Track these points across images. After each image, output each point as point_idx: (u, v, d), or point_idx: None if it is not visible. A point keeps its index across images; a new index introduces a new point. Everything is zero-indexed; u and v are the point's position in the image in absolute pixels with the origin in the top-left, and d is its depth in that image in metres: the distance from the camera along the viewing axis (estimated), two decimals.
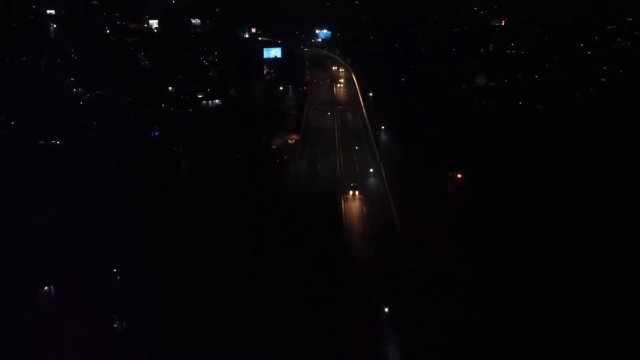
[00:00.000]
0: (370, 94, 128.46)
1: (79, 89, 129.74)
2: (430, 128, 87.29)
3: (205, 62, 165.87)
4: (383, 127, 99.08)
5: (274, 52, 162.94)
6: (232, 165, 73.07)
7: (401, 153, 79.35)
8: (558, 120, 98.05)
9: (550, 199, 55.85)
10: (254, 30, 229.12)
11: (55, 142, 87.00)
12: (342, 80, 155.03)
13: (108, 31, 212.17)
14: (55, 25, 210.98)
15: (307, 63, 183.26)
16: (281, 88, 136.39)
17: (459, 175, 63.39)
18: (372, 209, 60.61)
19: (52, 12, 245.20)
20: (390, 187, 65.92)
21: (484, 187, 58.40)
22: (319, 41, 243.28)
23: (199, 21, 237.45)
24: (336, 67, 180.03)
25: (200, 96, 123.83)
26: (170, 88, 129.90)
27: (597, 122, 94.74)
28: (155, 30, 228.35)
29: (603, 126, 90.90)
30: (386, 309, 40.06)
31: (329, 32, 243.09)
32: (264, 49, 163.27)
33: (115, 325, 39.37)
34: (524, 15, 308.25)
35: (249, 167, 72.48)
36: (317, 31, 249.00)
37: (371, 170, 74.99)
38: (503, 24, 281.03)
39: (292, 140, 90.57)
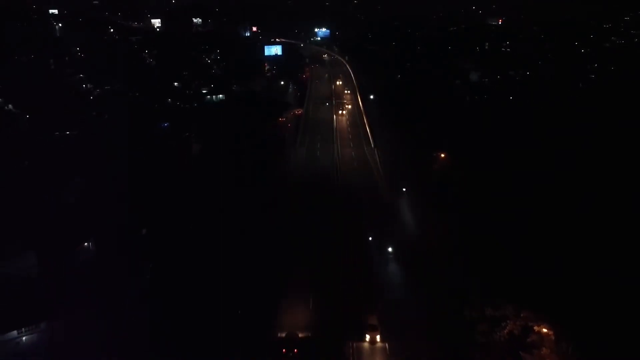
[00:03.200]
0: (367, 89, 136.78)
1: (88, 84, 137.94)
2: (421, 118, 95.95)
3: (208, 59, 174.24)
4: (378, 118, 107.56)
5: (274, 50, 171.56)
6: (238, 150, 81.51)
7: (394, 139, 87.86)
8: (544, 113, 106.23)
9: (519, 175, 64.74)
10: (254, 29, 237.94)
11: (71, 133, 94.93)
12: (340, 76, 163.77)
13: (112, 30, 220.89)
14: (60, 25, 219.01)
15: (307, 60, 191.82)
16: (282, 83, 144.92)
17: (442, 155, 72.60)
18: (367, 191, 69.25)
19: (55, 11, 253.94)
20: (383, 167, 74.59)
21: (462, 164, 67.34)
22: (318, 40, 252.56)
23: (200, 20, 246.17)
24: (334, 64, 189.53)
25: (204, 91, 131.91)
26: (175, 84, 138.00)
27: (583, 115, 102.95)
28: (158, 29, 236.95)
29: (588, 118, 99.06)
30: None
31: (328, 31, 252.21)
32: (265, 47, 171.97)
33: (145, 273, 47.67)
34: (521, 15, 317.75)
35: (253, 152, 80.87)
36: (316, 30, 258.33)
37: (366, 154, 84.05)
38: (500, 23, 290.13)
39: (298, 111, 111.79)
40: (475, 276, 44.41)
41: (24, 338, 39.46)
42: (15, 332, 39.48)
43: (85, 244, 51.10)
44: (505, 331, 38.17)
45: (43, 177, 65.53)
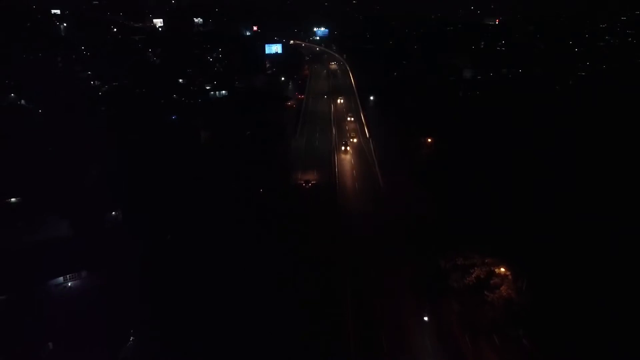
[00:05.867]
0: (364, 85, 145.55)
1: (96, 81, 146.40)
2: (414, 109, 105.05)
3: (210, 58, 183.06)
4: (374, 112, 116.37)
5: (275, 48, 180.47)
6: (243, 138, 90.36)
7: (388, 129, 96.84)
8: (530, 107, 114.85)
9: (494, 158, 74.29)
10: (255, 28, 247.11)
11: (86, 125, 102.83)
12: (338, 73, 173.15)
13: (115, 30, 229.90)
14: (65, 24, 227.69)
15: (306, 58, 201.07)
16: (282, 79, 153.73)
17: (429, 140, 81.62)
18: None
19: (58, 11, 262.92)
20: (376, 154, 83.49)
21: (446, 146, 76.69)
22: (317, 39, 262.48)
23: (201, 20, 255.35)
24: (333, 62, 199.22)
25: (208, 87, 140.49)
26: (180, 80, 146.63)
27: (570, 109, 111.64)
28: (160, 29, 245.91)
29: (574, 113, 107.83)
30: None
31: (327, 30, 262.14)
32: (266, 45, 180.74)
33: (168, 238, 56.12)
34: (518, 15, 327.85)
35: (257, 140, 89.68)
36: (315, 29, 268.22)
37: (362, 143, 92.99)
38: (497, 22, 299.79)
39: (301, 96, 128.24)
40: (450, 234, 53.16)
41: (69, 283, 47.84)
42: (61, 279, 47.86)
43: (113, 212, 59.68)
44: (473, 276, 46.58)
45: (67, 161, 74.30)
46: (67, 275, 48.13)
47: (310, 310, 43.69)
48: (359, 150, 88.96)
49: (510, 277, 45.19)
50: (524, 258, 46.59)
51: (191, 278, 47.21)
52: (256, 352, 38.55)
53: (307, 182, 72.13)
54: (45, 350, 36.87)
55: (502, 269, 45.49)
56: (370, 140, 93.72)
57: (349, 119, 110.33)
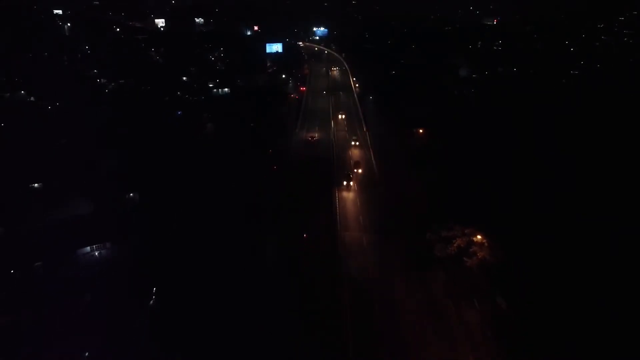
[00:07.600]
0: (362, 83, 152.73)
1: (102, 79, 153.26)
2: (409, 105, 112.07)
3: (212, 57, 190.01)
4: (372, 108, 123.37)
5: (275, 47, 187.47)
6: (247, 130, 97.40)
7: (385, 124, 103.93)
8: (520, 104, 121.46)
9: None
10: (256, 28, 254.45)
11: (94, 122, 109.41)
12: (336, 71, 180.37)
13: (118, 30, 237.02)
14: (68, 24, 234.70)
15: (306, 57, 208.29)
16: (283, 76, 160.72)
17: (421, 131, 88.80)
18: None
19: (59, 12, 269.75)
20: (373, 145, 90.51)
21: (445, 145, 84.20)
22: (316, 38, 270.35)
23: (202, 20, 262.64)
24: (332, 61, 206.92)
25: (210, 85, 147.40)
26: (184, 78, 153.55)
27: (568, 109, 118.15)
28: (162, 29, 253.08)
29: (571, 112, 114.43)
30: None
31: (326, 30, 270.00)
32: (267, 44, 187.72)
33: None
34: (516, 15, 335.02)
35: (260, 132, 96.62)
36: (314, 29, 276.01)
37: (359, 136, 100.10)
38: (495, 23, 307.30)
39: (303, 89, 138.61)
40: (435, 210, 59.99)
41: (96, 252, 54.60)
42: (88, 248, 54.60)
43: (131, 194, 66.62)
44: (455, 246, 53.34)
45: (83, 151, 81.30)
46: (94, 246, 54.87)
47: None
48: (357, 146, 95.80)
49: (487, 244, 51.96)
50: (502, 229, 53.46)
51: (204, 248, 54.00)
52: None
53: (311, 137, 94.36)
54: (84, 300, 43.62)
55: (479, 237, 52.30)
56: (368, 134, 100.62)
57: (346, 114, 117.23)
